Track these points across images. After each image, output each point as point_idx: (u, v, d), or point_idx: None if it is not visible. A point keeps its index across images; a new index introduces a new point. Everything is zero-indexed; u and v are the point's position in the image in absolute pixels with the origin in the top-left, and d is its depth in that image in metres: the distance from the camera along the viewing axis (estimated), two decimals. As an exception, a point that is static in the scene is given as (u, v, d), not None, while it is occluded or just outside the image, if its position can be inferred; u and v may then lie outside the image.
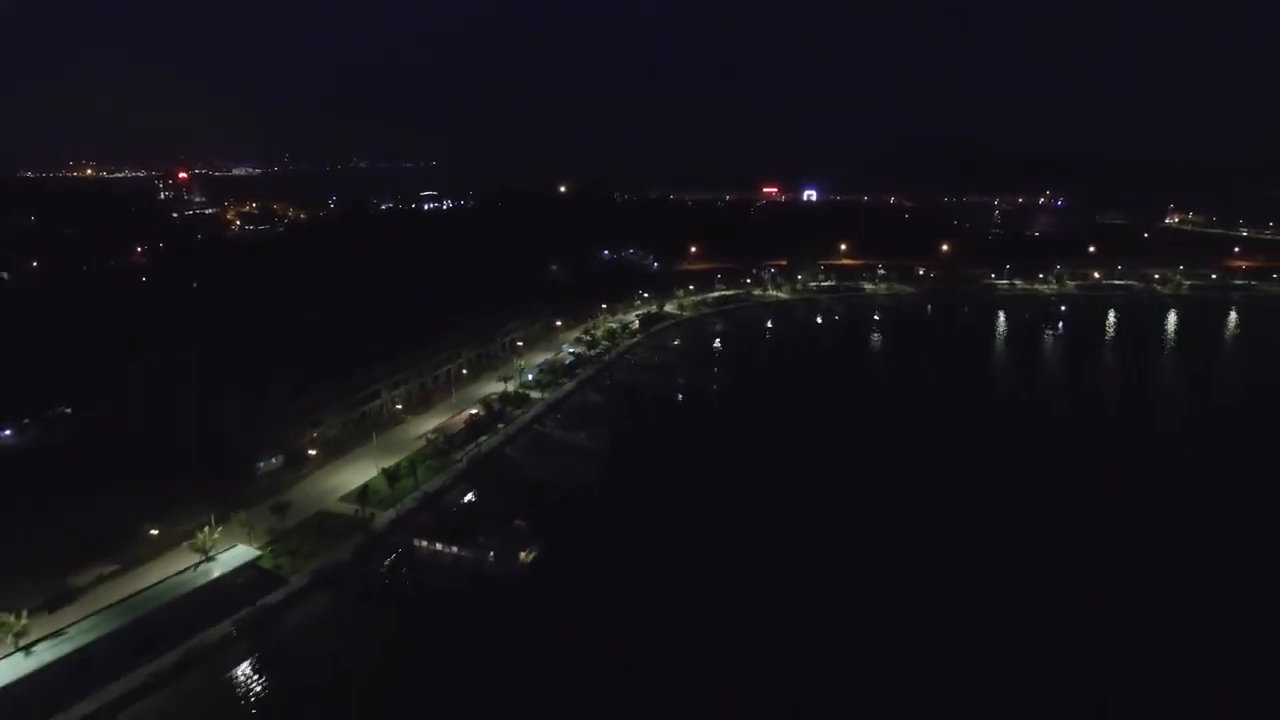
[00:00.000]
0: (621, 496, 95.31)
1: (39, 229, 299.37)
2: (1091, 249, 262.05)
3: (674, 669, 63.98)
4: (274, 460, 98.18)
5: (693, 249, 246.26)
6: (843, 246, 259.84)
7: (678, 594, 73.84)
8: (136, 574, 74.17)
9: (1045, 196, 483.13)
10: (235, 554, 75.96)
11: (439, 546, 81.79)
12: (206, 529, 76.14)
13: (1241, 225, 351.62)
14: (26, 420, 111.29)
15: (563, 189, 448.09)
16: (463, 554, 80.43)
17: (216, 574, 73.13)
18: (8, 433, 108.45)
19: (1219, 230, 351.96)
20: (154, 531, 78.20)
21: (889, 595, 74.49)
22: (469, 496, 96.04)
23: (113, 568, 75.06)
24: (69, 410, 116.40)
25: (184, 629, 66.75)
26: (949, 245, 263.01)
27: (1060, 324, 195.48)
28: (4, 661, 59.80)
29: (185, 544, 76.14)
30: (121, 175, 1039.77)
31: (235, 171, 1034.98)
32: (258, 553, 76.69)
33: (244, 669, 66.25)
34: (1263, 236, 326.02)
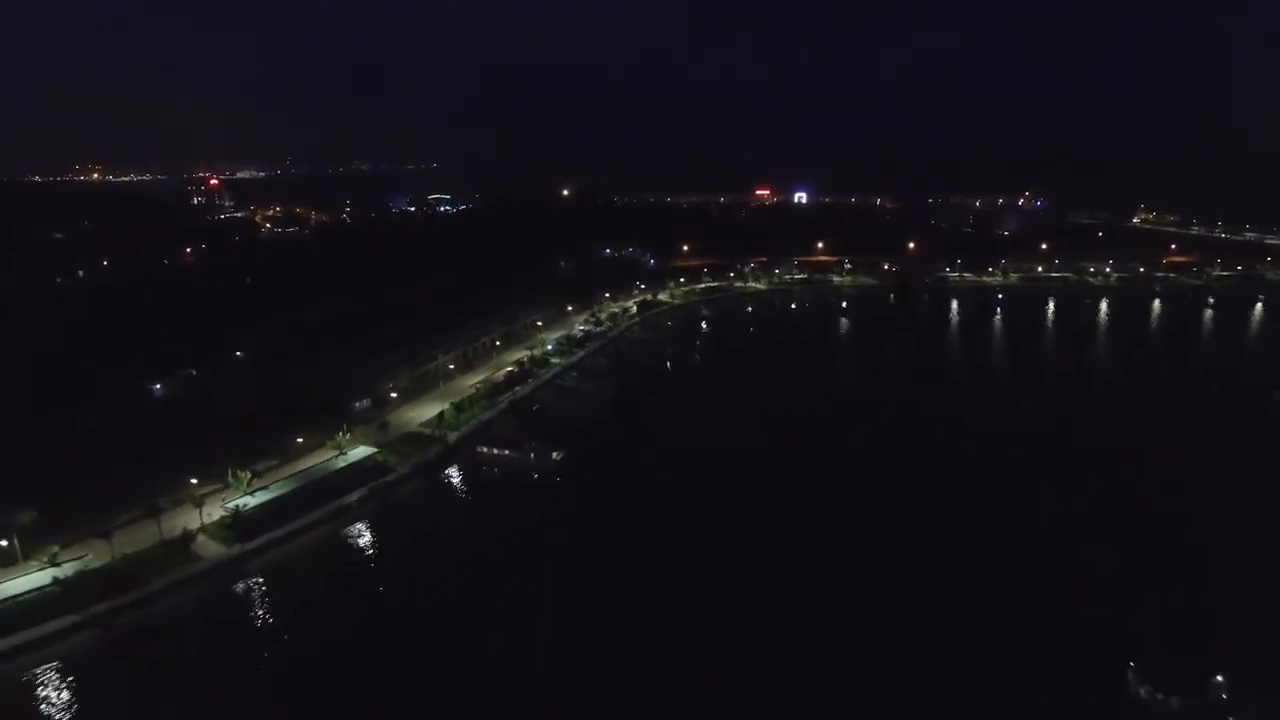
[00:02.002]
0: (620, 423, 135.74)
1: (94, 232, 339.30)
2: (1044, 246, 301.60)
3: (655, 521, 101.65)
4: (365, 401, 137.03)
5: (685, 248, 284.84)
6: (820, 244, 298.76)
7: (660, 478, 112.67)
8: (293, 463, 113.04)
9: (1025, 198, 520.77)
10: (359, 451, 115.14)
11: (495, 451, 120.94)
12: (341, 433, 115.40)
13: (1194, 224, 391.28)
14: (167, 378, 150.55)
15: (565, 193, 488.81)
16: (512, 455, 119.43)
17: (349, 462, 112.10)
18: (158, 386, 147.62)
19: (1174, 229, 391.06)
20: (299, 440, 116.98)
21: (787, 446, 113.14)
22: (512, 423, 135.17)
23: (274, 461, 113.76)
24: (194, 371, 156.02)
25: (335, 492, 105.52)
26: (916, 243, 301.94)
27: (998, 309, 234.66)
28: (245, 497, 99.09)
29: (328, 443, 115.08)
30: (127, 179, 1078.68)
31: (240, 175, 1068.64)
32: (374, 450, 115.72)
33: (370, 521, 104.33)
34: (1209, 235, 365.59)
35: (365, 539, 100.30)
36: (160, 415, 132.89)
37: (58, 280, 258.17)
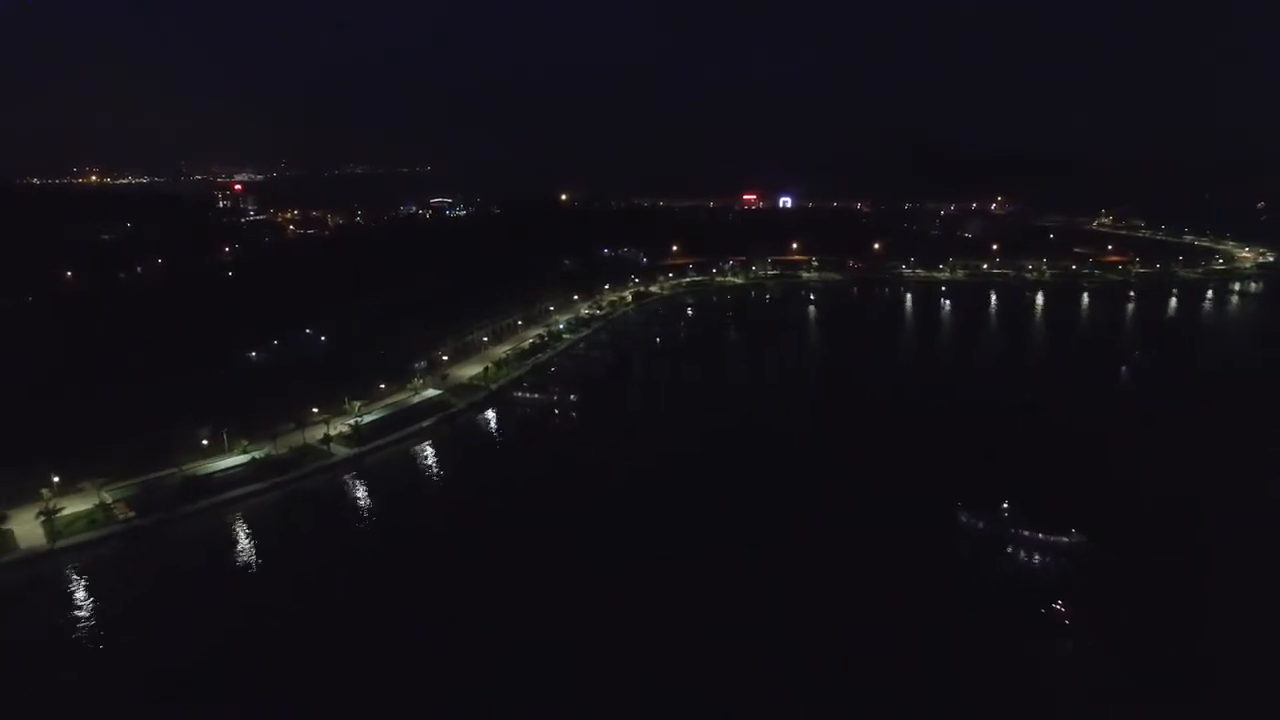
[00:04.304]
0: (619, 377, 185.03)
1: (137, 233, 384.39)
2: (995, 246, 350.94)
3: (641, 436, 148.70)
4: (423, 363, 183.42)
5: (674, 248, 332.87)
6: (795, 245, 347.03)
7: (646, 411, 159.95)
8: (381, 400, 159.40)
9: (998, 202, 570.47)
10: (429, 392, 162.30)
11: (526, 395, 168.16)
12: (416, 380, 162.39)
13: (1141, 227, 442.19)
14: (258, 348, 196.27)
15: (564, 197, 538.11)
16: (539, 398, 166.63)
17: (422, 399, 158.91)
18: (252, 355, 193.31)
19: (1125, 231, 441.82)
20: (382, 385, 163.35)
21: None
22: (537, 378, 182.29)
23: (364, 400, 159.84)
24: (276, 342, 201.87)
25: (415, 418, 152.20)
26: (881, 244, 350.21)
27: (943, 300, 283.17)
28: (357, 419, 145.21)
29: (406, 387, 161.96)
30: (125, 181, 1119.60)
31: (238, 177, 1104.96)
32: (439, 392, 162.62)
33: (439, 438, 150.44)
34: (1151, 236, 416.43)
35: (437, 448, 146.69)
36: (265, 372, 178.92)
37: (120, 276, 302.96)
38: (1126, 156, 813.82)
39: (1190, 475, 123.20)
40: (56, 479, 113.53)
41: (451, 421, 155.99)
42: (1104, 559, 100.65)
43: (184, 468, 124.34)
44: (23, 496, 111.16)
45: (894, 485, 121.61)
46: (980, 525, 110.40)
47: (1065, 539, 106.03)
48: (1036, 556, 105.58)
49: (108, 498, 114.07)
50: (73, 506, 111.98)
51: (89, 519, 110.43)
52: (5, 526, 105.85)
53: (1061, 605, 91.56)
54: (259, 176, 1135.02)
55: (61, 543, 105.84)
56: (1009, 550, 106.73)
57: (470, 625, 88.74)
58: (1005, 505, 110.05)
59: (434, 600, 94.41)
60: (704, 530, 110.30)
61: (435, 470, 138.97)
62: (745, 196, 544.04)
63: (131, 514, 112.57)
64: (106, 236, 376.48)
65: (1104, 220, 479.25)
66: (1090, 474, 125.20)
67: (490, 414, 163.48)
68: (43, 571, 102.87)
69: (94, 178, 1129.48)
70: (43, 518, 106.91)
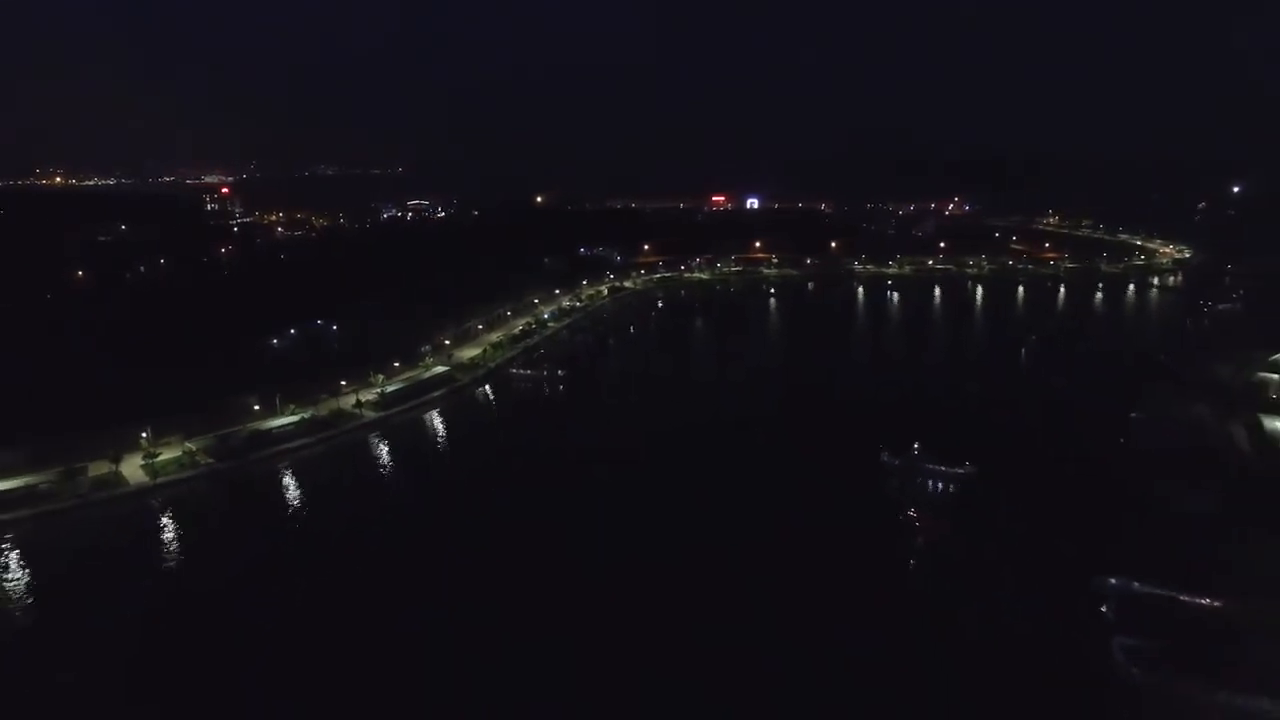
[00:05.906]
0: (598, 356, 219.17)
1: (132, 234, 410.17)
2: (943, 244, 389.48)
3: (617, 401, 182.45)
4: (428, 346, 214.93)
5: (645, 247, 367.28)
6: (758, 244, 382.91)
7: (623, 383, 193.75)
8: (397, 376, 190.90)
9: (955, 203, 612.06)
10: (438, 369, 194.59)
11: (521, 371, 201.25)
12: (427, 359, 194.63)
13: (1084, 225, 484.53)
14: (279, 335, 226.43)
15: (540, 199, 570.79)
16: (531, 373, 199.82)
17: (432, 374, 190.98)
18: (274, 341, 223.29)
19: (1066, 230, 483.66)
20: (396, 364, 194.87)
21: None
22: (528, 358, 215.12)
23: (382, 375, 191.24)
24: (293, 330, 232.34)
25: (428, 389, 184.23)
26: (838, 243, 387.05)
27: (890, 292, 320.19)
28: (381, 388, 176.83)
29: (420, 364, 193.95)
30: (91, 182, 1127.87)
31: (206, 179, 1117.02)
32: (447, 369, 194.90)
33: (448, 405, 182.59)
34: (1091, 235, 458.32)
35: (447, 413, 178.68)
36: (291, 356, 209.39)
37: (127, 275, 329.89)
38: (1126, 156, 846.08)
39: (1063, 428, 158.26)
40: (144, 434, 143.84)
41: (458, 393, 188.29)
42: (985, 483, 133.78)
43: (248, 425, 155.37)
44: (125, 447, 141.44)
45: (821, 426, 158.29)
46: (897, 462, 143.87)
47: (960, 470, 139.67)
48: (939, 484, 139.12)
49: (191, 447, 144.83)
50: (165, 455, 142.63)
51: (179, 463, 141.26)
52: (118, 468, 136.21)
53: (915, 512, 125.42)
54: (229, 178, 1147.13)
55: (160, 480, 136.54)
56: (918, 480, 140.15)
57: (475, 557, 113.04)
58: (916, 445, 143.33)
59: (443, 532, 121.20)
60: (669, 467, 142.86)
61: (447, 429, 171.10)
62: (714, 198, 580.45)
63: (211, 460, 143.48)
64: (104, 238, 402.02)
65: (1049, 220, 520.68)
66: (987, 425, 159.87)
67: (489, 387, 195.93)
68: (147, 502, 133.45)
69: (58, 179, 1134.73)
70: (144, 461, 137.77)
